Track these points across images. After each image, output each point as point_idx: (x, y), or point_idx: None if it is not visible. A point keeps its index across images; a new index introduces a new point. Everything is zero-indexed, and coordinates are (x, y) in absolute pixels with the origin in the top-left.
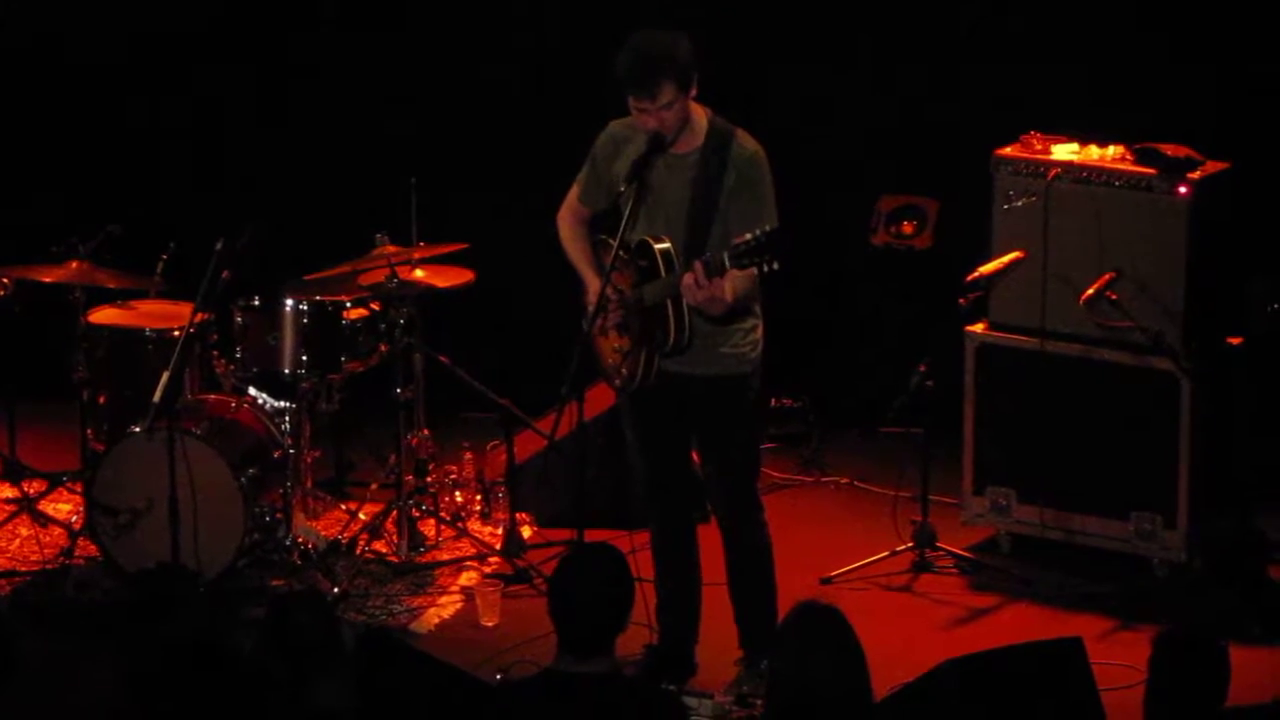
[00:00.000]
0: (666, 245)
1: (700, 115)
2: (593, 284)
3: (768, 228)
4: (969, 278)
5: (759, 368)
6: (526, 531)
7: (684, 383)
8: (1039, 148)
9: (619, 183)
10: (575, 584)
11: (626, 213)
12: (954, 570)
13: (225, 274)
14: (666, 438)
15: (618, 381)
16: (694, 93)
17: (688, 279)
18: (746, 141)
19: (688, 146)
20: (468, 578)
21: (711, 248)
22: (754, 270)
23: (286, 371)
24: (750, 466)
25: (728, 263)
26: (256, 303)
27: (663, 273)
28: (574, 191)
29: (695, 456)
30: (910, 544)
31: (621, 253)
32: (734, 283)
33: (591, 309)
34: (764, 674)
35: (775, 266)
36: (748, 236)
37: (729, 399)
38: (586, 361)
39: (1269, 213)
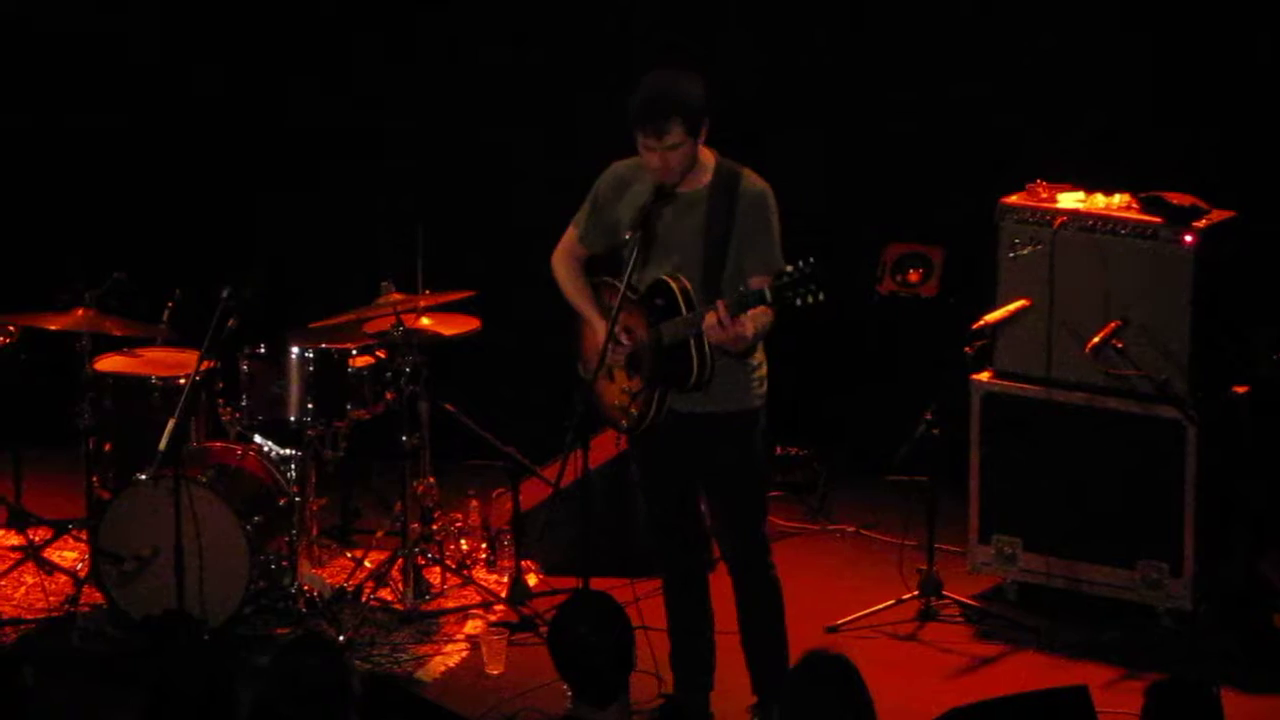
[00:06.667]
0: (685, 284)
1: (708, 155)
2: (597, 324)
3: (811, 259)
4: (974, 326)
5: (765, 408)
6: (532, 579)
7: (693, 422)
8: (1045, 196)
9: (621, 226)
10: (571, 636)
11: (632, 260)
12: (960, 619)
13: (231, 322)
14: (673, 479)
15: (625, 422)
16: (703, 137)
17: (710, 318)
18: (755, 180)
19: (695, 185)
20: (473, 626)
21: (724, 285)
22: (769, 309)
23: (292, 419)
24: (758, 509)
25: (769, 296)
26: (262, 350)
27: (683, 311)
28: (572, 233)
29: (702, 503)
30: (916, 592)
31: (629, 294)
32: (755, 320)
33: (598, 352)
34: None
35: (821, 297)
36: (789, 269)
37: (738, 436)
38: (591, 409)
39: (1275, 261)
